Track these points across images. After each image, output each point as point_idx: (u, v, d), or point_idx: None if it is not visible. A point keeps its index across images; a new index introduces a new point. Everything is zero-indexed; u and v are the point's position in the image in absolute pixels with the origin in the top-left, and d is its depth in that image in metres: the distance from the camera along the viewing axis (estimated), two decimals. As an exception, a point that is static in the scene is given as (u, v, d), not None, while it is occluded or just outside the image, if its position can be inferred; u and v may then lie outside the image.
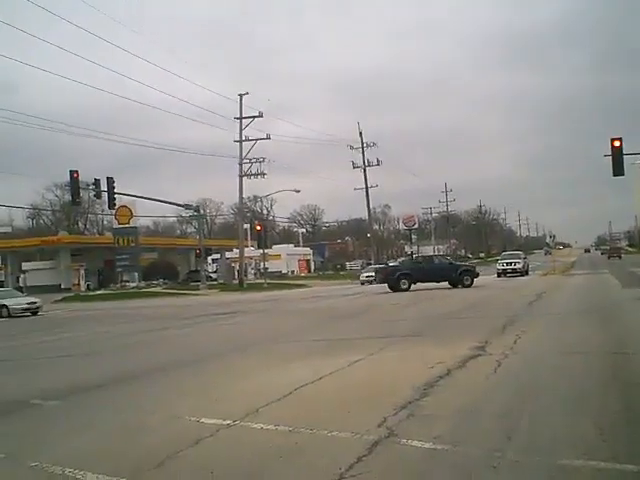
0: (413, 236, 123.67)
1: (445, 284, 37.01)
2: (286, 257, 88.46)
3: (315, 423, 6.79)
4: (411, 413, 7.04)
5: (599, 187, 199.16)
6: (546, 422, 6.45)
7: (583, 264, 70.78)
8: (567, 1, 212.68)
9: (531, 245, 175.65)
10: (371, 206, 78.40)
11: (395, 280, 37.78)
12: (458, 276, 37.39)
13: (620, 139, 41.73)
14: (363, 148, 71.60)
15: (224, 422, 7.06)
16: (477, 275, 38.39)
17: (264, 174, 57.38)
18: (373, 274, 55.97)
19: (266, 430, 6.72)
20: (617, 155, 41.73)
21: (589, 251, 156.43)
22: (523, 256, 57.46)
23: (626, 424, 6.21)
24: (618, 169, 41.95)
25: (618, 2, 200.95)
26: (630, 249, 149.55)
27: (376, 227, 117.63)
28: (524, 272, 51.02)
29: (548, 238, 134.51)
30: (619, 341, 12.04)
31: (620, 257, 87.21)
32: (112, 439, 6.88)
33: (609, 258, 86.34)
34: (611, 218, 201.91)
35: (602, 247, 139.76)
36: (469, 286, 36.26)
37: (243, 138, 56.90)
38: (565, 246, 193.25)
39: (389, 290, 37.20)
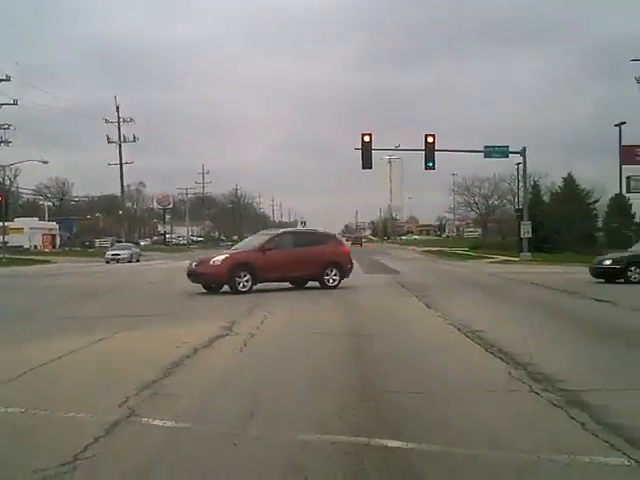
0: (167, 216, 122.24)
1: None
2: (29, 231, 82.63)
3: (51, 404, 6.40)
4: (155, 392, 6.88)
5: (352, 178, 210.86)
6: (288, 400, 6.64)
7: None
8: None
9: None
10: (125, 183, 76.28)
11: None
12: None
13: (370, 134, 44.44)
14: (119, 122, 69.39)
15: (-56, 406, 6.38)
16: None
17: (9, 142, 53.68)
18: (119, 252, 54.75)
19: (-6, 413, 6.18)
20: (366, 149, 44.48)
21: None
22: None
23: (362, 400, 6.57)
24: (367, 162, 44.71)
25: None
26: (373, 238, 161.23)
27: (129, 204, 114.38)
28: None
29: (299, 224, 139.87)
30: (358, 325, 12.80)
31: (361, 245, 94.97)
32: None
33: (352, 245, 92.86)
34: (360, 208, 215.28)
35: (347, 235, 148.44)
36: None
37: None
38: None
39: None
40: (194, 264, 20.53)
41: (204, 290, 20.08)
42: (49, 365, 8.54)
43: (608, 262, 23.12)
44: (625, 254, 24.02)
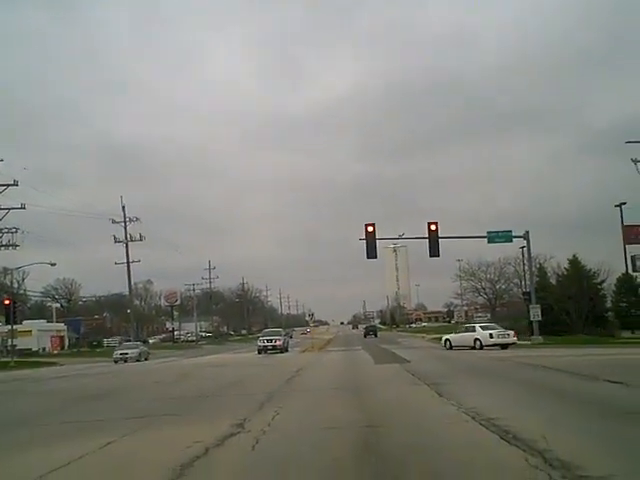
0: (175, 312, 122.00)
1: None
2: (37, 333, 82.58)
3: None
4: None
5: (358, 268, 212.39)
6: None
7: (340, 341, 74.14)
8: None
9: (292, 323, 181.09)
10: (132, 281, 76.58)
11: None
12: None
13: (373, 225, 45.13)
14: (125, 222, 70.35)
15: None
16: None
17: (16, 245, 54.13)
18: (127, 351, 54.63)
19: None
20: (370, 240, 45.07)
21: (357, 327, 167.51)
22: (283, 333, 59.23)
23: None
24: (371, 252, 45.24)
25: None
26: (382, 326, 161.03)
27: (137, 302, 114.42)
28: (284, 349, 52.32)
29: (307, 316, 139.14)
30: (371, 416, 12.58)
31: (375, 335, 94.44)
32: None
33: (365, 336, 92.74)
34: (367, 297, 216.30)
35: (362, 325, 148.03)
36: None
37: (-6, 207, 53.08)
38: (323, 324, 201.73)
39: None
40: None
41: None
42: (60, 470, 8.38)
43: None
44: None
